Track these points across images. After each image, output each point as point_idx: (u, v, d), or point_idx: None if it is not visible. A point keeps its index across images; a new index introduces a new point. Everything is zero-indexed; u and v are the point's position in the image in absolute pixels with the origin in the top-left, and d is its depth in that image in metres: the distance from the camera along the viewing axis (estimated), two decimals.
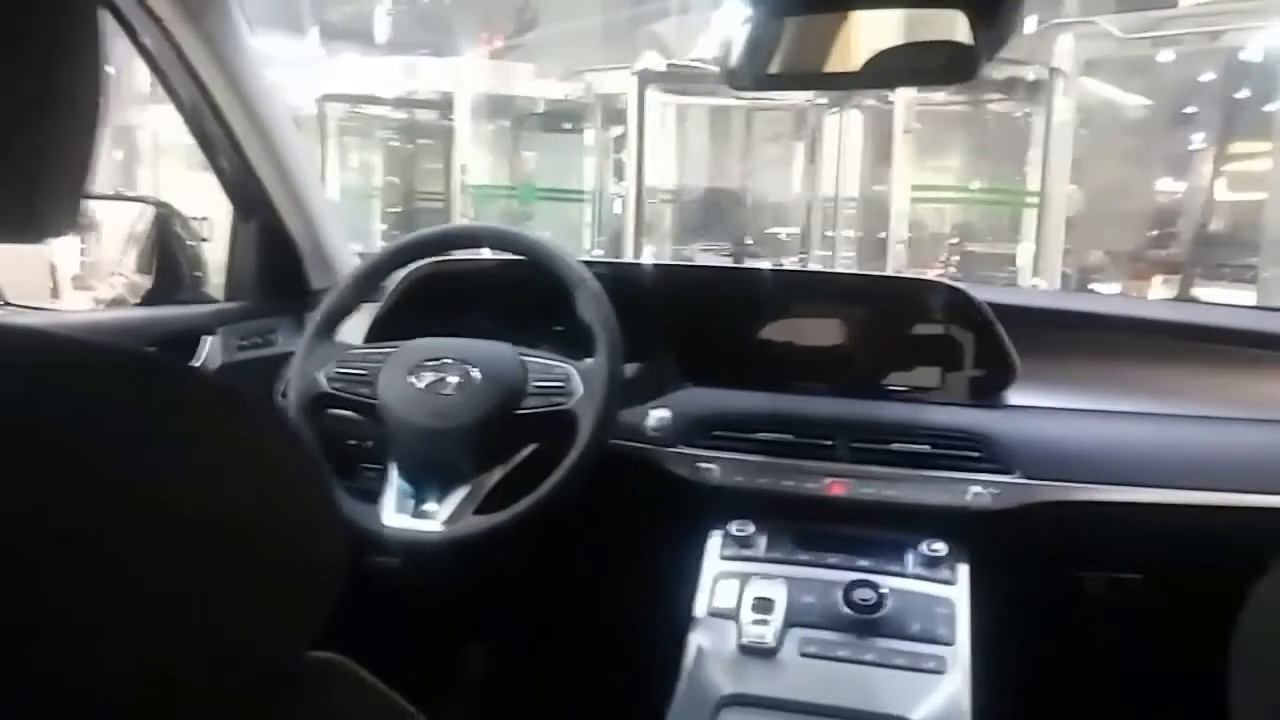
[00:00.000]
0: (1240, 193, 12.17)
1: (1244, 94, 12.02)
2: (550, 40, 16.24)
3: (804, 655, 1.86)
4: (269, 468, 0.72)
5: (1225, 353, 2.26)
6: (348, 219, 10.44)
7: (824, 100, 12.24)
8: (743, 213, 13.96)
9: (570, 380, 1.96)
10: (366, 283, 2.19)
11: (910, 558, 2.01)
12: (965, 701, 1.78)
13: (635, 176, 12.45)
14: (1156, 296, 11.17)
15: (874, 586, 1.91)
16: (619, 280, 2.09)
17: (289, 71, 11.96)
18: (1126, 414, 2.15)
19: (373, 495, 1.94)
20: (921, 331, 2.27)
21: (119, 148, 12.27)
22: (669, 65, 12.37)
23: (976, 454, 2.05)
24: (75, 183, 0.76)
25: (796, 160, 13.67)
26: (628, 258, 10.66)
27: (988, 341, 2.19)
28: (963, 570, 1.98)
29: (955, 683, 1.80)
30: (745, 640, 1.89)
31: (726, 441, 2.15)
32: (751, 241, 13.52)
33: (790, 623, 1.91)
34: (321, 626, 0.74)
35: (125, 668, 0.64)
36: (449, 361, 1.98)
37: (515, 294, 2.22)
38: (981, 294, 2.21)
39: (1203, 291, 11.65)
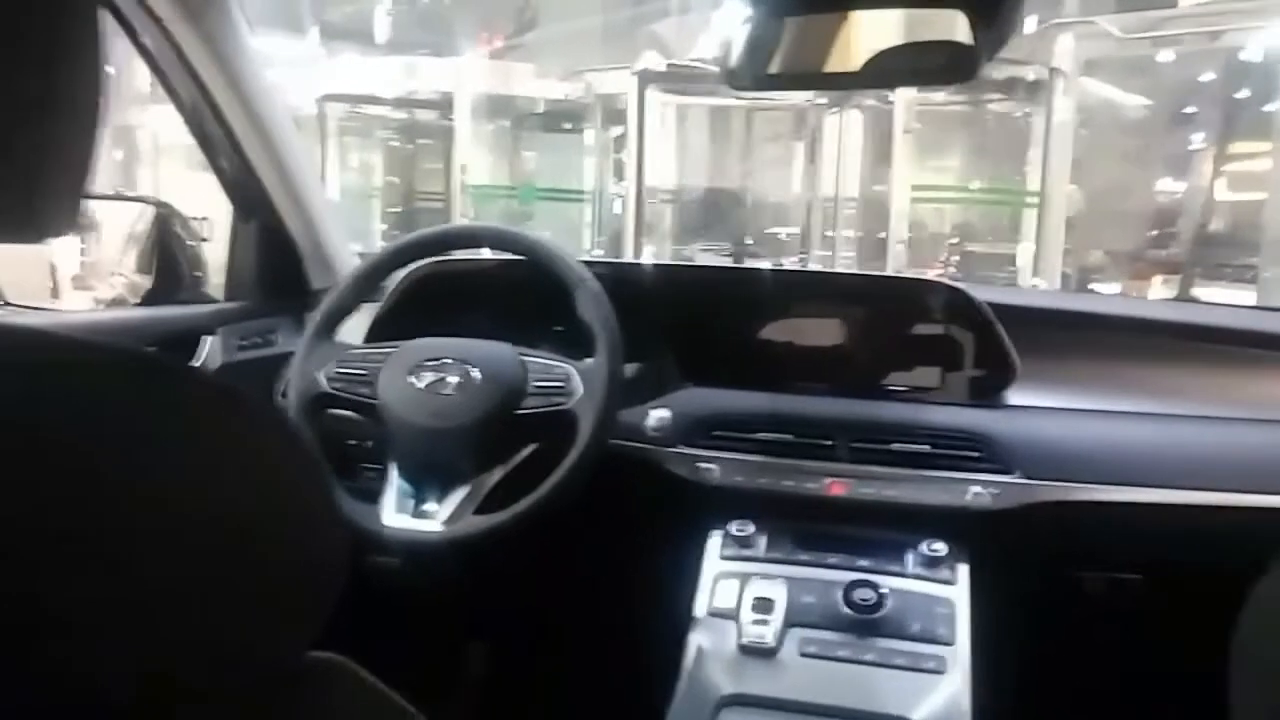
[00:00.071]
0: (1240, 193, 12.17)
1: (1244, 94, 12.02)
2: (550, 40, 16.25)
3: (804, 655, 1.86)
4: (269, 468, 0.72)
5: (1225, 353, 2.26)
6: (348, 219, 10.44)
7: (824, 100, 12.24)
8: (743, 213, 13.96)
9: (570, 380, 1.96)
10: (366, 283, 2.19)
11: (910, 558, 2.01)
12: (965, 701, 1.78)
13: (635, 176, 12.45)
14: (1156, 296, 11.17)
15: (874, 586, 1.91)
16: (619, 280, 2.09)
17: (289, 71, 11.96)
18: (1126, 414, 2.15)
19: (373, 495, 1.94)
20: (921, 331, 2.27)
21: (119, 148, 12.27)
22: (669, 65, 12.38)
23: (976, 454, 2.05)
24: (75, 183, 0.76)
25: (796, 160, 13.68)
26: (628, 258, 10.66)
27: (988, 341, 2.19)
28: (963, 570, 1.98)
29: (955, 683, 1.80)
30: (745, 640, 1.89)
31: (726, 441, 2.15)
32: (751, 241, 13.52)
33: (790, 623, 1.91)
34: (321, 626, 0.74)
35: (125, 668, 0.64)
36: (449, 361, 1.98)
37: (515, 294, 2.22)
38: (981, 294, 2.21)
39: (1203, 291, 11.66)
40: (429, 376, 1.96)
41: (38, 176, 0.72)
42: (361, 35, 16.77)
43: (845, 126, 12.42)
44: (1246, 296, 10.55)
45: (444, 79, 13.92)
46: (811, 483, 2.08)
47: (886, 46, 1.70)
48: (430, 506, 1.92)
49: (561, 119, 14.53)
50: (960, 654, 1.85)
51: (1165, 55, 11.64)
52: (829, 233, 12.77)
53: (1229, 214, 12.52)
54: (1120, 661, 2.32)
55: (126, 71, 6.35)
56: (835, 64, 1.73)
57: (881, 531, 2.05)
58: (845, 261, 12.29)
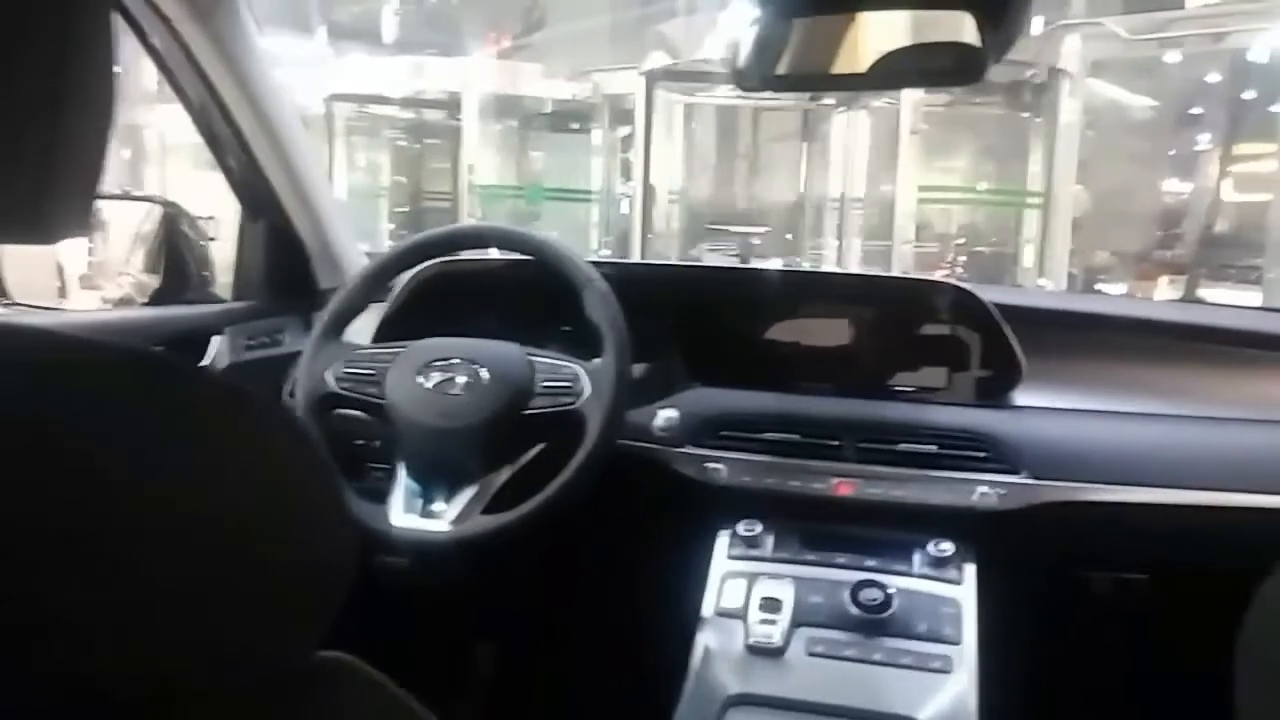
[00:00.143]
0: (1246, 194, 12.19)
1: (1250, 95, 12.03)
2: (558, 40, 16.27)
3: (811, 655, 1.86)
4: (277, 468, 0.72)
5: (1230, 354, 2.26)
6: (355, 219, 10.45)
7: (831, 101, 12.25)
8: (750, 213, 13.96)
9: (578, 380, 1.96)
10: (374, 282, 2.19)
11: (917, 558, 2.00)
12: (972, 701, 1.78)
13: (642, 177, 12.46)
14: (1162, 297, 11.16)
15: (881, 586, 1.91)
16: (626, 280, 2.09)
17: (297, 71, 11.99)
18: (1132, 415, 2.15)
19: (380, 495, 1.94)
20: (928, 332, 2.27)
21: (126, 147, 12.29)
22: (676, 65, 12.39)
23: (983, 454, 2.05)
24: (87, 184, 0.76)
25: (803, 160, 13.69)
26: (635, 258, 10.66)
27: (994, 342, 2.19)
28: (969, 570, 1.98)
29: (962, 682, 1.80)
30: (752, 640, 1.88)
31: (734, 441, 2.15)
32: (759, 242, 13.52)
33: (797, 622, 1.90)
34: (328, 626, 0.75)
35: (131, 668, 0.64)
36: (457, 361, 1.98)
37: (523, 294, 2.22)
38: (988, 294, 2.21)
39: (1208, 293, 11.66)
40: (437, 376, 1.96)
41: (49, 178, 0.72)
42: (369, 35, 16.80)
43: (852, 127, 12.43)
44: (1252, 298, 10.55)
45: (451, 79, 13.95)
46: (818, 483, 2.08)
47: (894, 48, 1.70)
48: (438, 506, 1.92)
49: (569, 119, 14.56)
50: (967, 654, 1.85)
51: (1172, 56, 11.65)
52: (834, 241, 12.79)
53: (1235, 215, 12.54)
54: (1126, 661, 2.32)
55: (134, 71, 6.36)
56: (843, 65, 1.73)
57: (888, 531, 2.05)
58: (852, 262, 12.30)
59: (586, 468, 1.89)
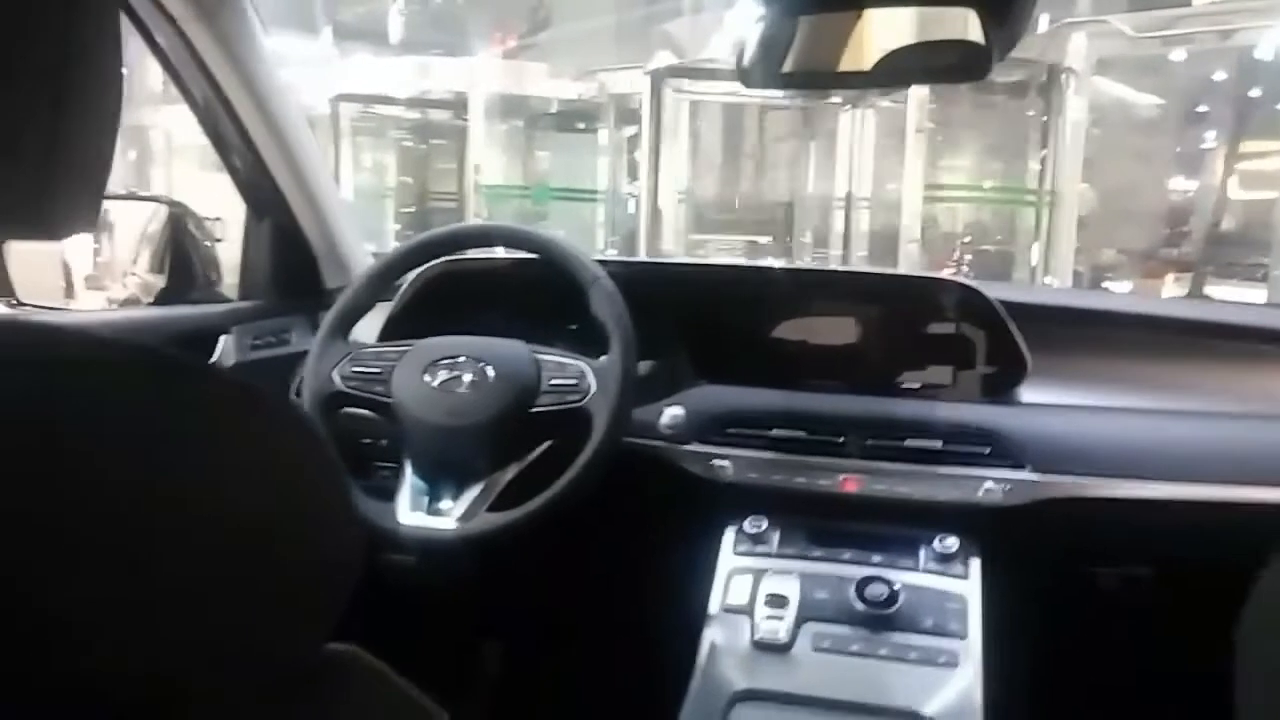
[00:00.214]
0: (1253, 191, 12.17)
1: (1256, 92, 12.02)
2: (563, 40, 16.26)
3: (817, 650, 1.87)
4: (287, 467, 0.72)
5: (1235, 349, 2.26)
6: (361, 219, 10.44)
7: (838, 99, 12.24)
8: (756, 212, 13.96)
9: (584, 378, 1.97)
10: (380, 282, 2.19)
11: (923, 553, 2.01)
12: (978, 695, 1.78)
13: (648, 177, 12.46)
14: (1169, 295, 11.16)
15: (887, 582, 1.92)
16: (632, 278, 2.09)
17: (303, 71, 11.98)
18: (1138, 410, 2.15)
19: (387, 493, 1.94)
20: (934, 329, 2.27)
21: (132, 148, 12.31)
22: (682, 64, 12.38)
23: (988, 450, 2.05)
24: (94, 181, 0.76)
25: (810, 159, 13.68)
26: (641, 256, 10.65)
27: (1000, 339, 2.19)
28: (975, 565, 1.98)
29: (968, 677, 1.81)
30: (759, 636, 1.89)
31: (740, 438, 2.15)
32: (766, 241, 13.52)
33: (803, 618, 1.91)
34: (335, 624, 0.75)
35: (140, 667, 0.64)
36: (463, 360, 1.98)
37: (529, 292, 2.23)
38: (994, 292, 2.22)
39: (1214, 290, 11.65)
40: (443, 375, 1.97)
41: (55, 174, 0.72)
42: (375, 35, 16.80)
43: (859, 125, 12.43)
44: (1258, 295, 10.55)
45: (457, 79, 13.95)
46: (825, 479, 2.08)
47: (899, 45, 1.70)
48: (445, 504, 1.92)
49: (575, 119, 14.55)
50: (972, 648, 1.85)
51: (1178, 54, 11.63)
52: (839, 250, 12.79)
53: (1241, 212, 12.51)
54: (1132, 656, 2.32)
55: (139, 71, 6.36)
56: (848, 63, 1.73)
57: (894, 527, 2.05)
58: (859, 260, 12.31)
59: (593, 465, 1.89)
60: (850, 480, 2.07)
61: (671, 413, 2.17)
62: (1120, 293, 10.06)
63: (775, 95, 11.83)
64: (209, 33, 2.14)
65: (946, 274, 3.59)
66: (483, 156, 13.61)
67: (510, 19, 17.11)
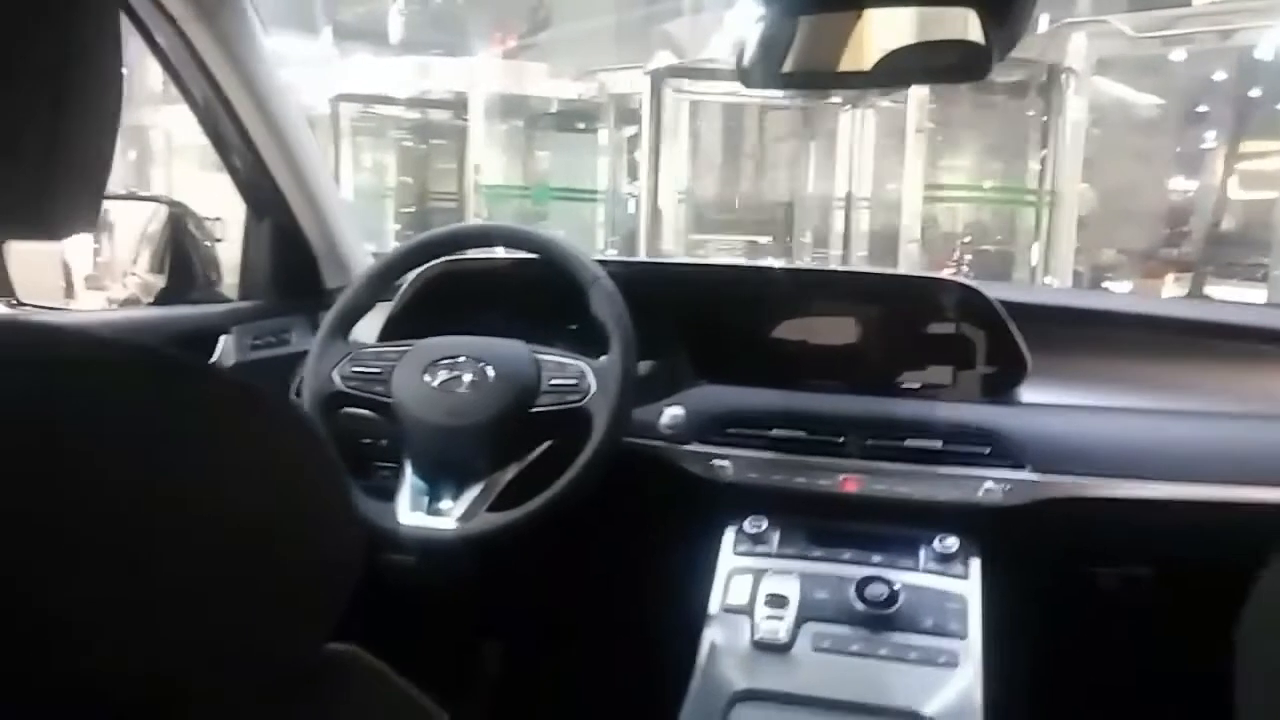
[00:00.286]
0: (1252, 191, 12.17)
1: (1256, 92, 12.02)
2: (563, 40, 16.26)
3: (817, 650, 1.87)
4: (288, 467, 0.72)
5: (1235, 349, 2.27)
6: (361, 219, 10.44)
7: (838, 99, 12.25)
8: (757, 212, 13.96)
9: (584, 378, 1.97)
10: (380, 282, 2.19)
11: (923, 553, 2.01)
12: (977, 695, 1.79)
13: (648, 177, 12.46)
14: (1168, 295, 11.16)
15: (886, 582, 1.92)
16: (633, 278, 2.09)
17: (303, 71, 11.99)
18: (1137, 410, 2.16)
19: (387, 493, 1.94)
20: (934, 329, 2.27)
21: (132, 148, 12.31)
22: (682, 64, 12.39)
23: (988, 450, 2.05)
24: (94, 180, 0.76)
25: (810, 159, 13.69)
26: (641, 256, 10.66)
27: (1000, 339, 2.19)
28: (975, 565, 1.99)
29: (967, 676, 1.81)
30: (759, 636, 1.89)
31: (740, 438, 2.15)
32: (766, 241, 13.53)
33: (803, 618, 1.91)
34: (335, 624, 0.75)
35: (140, 668, 0.64)
36: (463, 359, 1.98)
37: (529, 292, 2.23)
38: (994, 292, 2.22)
39: (1214, 290, 11.65)
40: (443, 374, 1.97)
41: (55, 174, 0.72)
42: (375, 35, 16.80)
43: (859, 125, 12.43)
44: (1258, 295, 10.56)
45: (457, 79, 13.96)
46: (825, 479, 2.08)
47: (899, 45, 1.70)
48: (445, 504, 1.92)
49: (575, 119, 14.55)
50: (972, 648, 1.85)
51: (1178, 54, 11.63)
52: (838, 239, 12.79)
53: (1241, 212, 12.52)
54: (1132, 656, 2.32)
55: (140, 71, 6.37)
56: (848, 63, 1.73)
57: (894, 527, 2.05)
58: (859, 260, 12.32)
59: (593, 465, 1.89)
60: (850, 480, 2.07)
61: (671, 413, 2.17)
62: (1119, 292, 10.06)
63: (775, 95, 11.83)
64: (209, 32, 2.14)
65: (946, 274, 3.59)
66: (483, 156, 13.61)
67: (510, 19, 17.11)
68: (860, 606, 1.90)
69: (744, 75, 1.74)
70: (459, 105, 13.88)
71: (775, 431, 2.14)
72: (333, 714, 0.77)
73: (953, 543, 1.99)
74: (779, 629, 1.89)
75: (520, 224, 2.38)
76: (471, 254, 2.41)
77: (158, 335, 2.17)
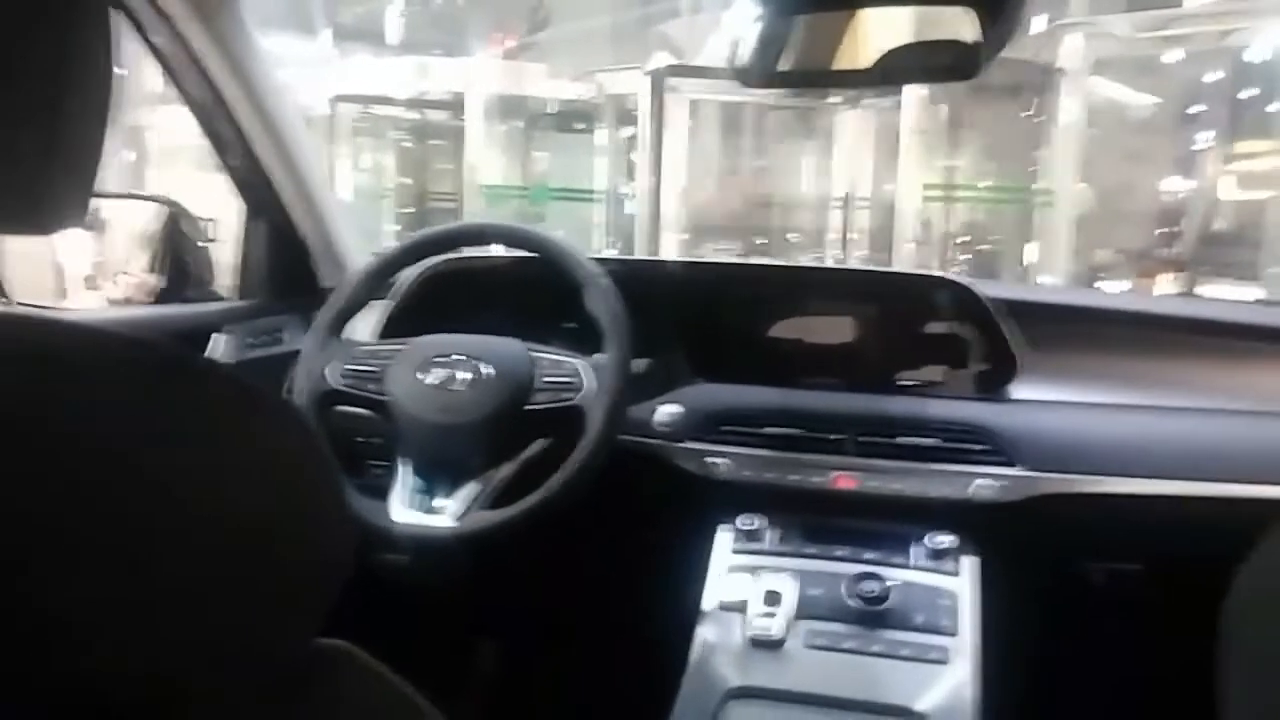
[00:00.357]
0: (1247, 191, 12.16)
1: (1250, 93, 12.01)
2: (562, 41, 16.22)
3: (810, 647, 1.88)
4: (285, 466, 0.72)
5: (1227, 346, 2.27)
6: (360, 219, 10.43)
7: (836, 99, 12.24)
8: (755, 213, 13.94)
9: (580, 375, 1.97)
10: (376, 280, 2.19)
11: (915, 550, 2.02)
12: (969, 691, 1.79)
13: (646, 177, 12.44)
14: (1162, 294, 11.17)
15: (879, 578, 1.93)
16: (629, 276, 2.09)
17: (301, 72, 11.97)
18: (1129, 407, 2.16)
19: (381, 492, 1.94)
20: (926, 326, 2.28)
21: (129, 149, 12.28)
22: (680, 65, 12.37)
23: (981, 447, 2.06)
24: (84, 176, 0.77)
25: (809, 159, 13.67)
26: (639, 255, 10.66)
27: (990, 336, 2.20)
28: (967, 562, 1.99)
29: (959, 673, 1.81)
30: (753, 633, 1.90)
31: (735, 436, 2.16)
32: (764, 242, 13.51)
33: (798, 615, 1.92)
34: (323, 621, 0.75)
35: (141, 667, 0.64)
36: (459, 358, 1.98)
37: (526, 291, 2.23)
38: (989, 289, 2.22)
39: (1207, 289, 11.65)
40: (439, 373, 1.97)
41: (47, 170, 0.73)
42: (373, 36, 16.75)
43: (857, 125, 12.43)
44: (1250, 293, 10.56)
45: (456, 79, 13.91)
46: (819, 476, 2.09)
47: (895, 45, 1.71)
48: (440, 502, 1.92)
49: (573, 119, 14.51)
50: (965, 644, 1.86)
51: (1173, 55, 11.62)
52: (845, 242, 12.78)
53: (1234, 212, 12.51)
54: (1124, 651, 2.33)
55: (136, 72, 6.36)
56: (844, 62, 1.75)
57: (888, 524, 2.06)
58: (857, 259, 12.31)
59: (588, 463, 1.90)
60: (844, 477, 2.08)
61: (667, 410, 2.18)
62: (1112, 290, 10.06)
63: (773, 95, 11.82)
64: (205, 32, 2.15)
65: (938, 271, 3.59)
66: (481, 157, 13.58)
67: (509, 19, 17.07)
68: (853, 603, 1.90)
69: (740, 74, 1.75)
70: (457, 106, 13.83)
71: (770, 429, 2.14)
72: (330, 713, 0.77)
73: (946, 539, 2.00)
74: (773, 626, 1.89)
75: (517, 222, 2.38)
76: (468, 252, 2.41)
77: (152, 333, 2.16)
